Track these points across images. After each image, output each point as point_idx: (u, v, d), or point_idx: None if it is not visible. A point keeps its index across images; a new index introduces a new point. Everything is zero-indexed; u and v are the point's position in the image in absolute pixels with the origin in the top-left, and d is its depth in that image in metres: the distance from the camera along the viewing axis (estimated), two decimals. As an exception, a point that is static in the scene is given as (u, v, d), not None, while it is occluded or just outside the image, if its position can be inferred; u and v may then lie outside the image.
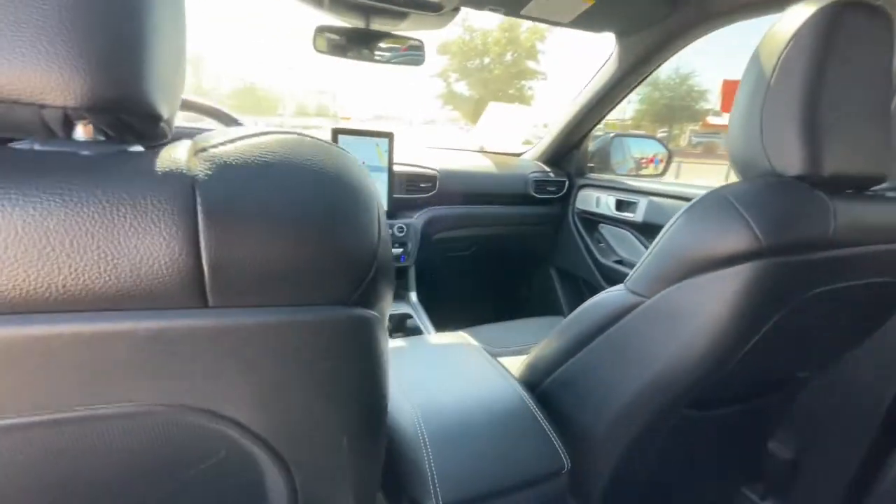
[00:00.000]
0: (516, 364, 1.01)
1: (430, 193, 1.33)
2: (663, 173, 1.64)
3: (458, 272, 1.60)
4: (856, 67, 0.49)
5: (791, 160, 0.50)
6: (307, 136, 0.26)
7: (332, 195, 0.24)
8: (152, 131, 0.23)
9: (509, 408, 0.64)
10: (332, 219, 0.23)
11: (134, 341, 0.21)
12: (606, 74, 1.25)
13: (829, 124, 0.49)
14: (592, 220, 1.54)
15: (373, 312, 0.27)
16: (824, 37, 0.47)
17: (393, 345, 0.78)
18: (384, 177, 1.22)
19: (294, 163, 0.23)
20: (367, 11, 0.95)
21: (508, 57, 19.80)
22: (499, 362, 0.76)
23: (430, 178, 1.33)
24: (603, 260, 1.46)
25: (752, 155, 0.54)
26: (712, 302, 0.49)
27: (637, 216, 1.34)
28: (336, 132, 1.16)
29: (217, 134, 0.23)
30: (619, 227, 1.43)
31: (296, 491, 0.29)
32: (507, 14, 0.97)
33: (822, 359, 0.79)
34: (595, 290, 1.54)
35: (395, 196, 1.25)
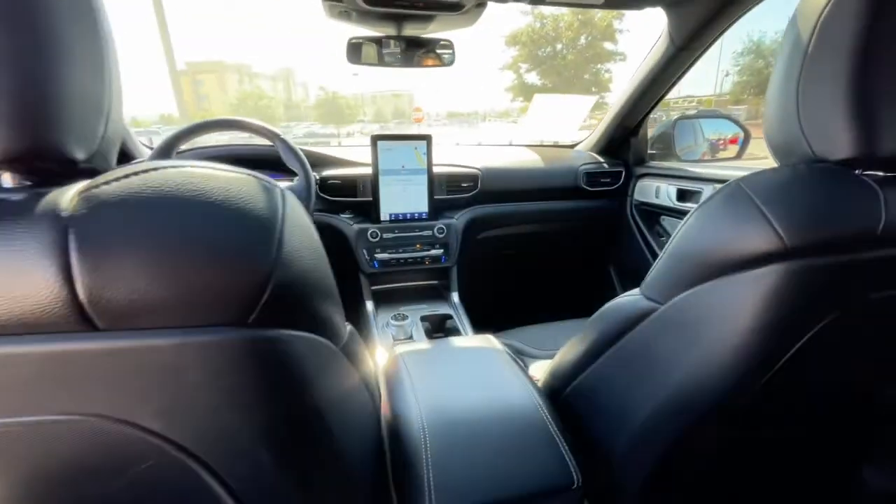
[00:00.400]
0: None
1: (471, 193, 1.32)
2: (740, 155, 1.46)
3: (505, 272, 1.57)
4: None
5: (836, 141, 0.42)
6: (212, 168, 0.27)
7: (212, 223, 0.25)
8: (71, 173, 0.26)
9: (521, 417, 0.61)
10: (210, 245, 0.24)
11: (31, 361, 0.24)
12: (658, 53, 1.14)
13: (883, 93, 0.40)
14: (653, 213, 1.42)
15: (288, 332, 0.28)
16: None
17: (415, 347, 0.79)
18: (424, 179, 1.24)
19: (176, 195, 0.25)
20: (393, 19, 0.97)
21: (582, 41, 18.85)
22: (521, 366, 0.73)
23: (471, 178, 1.32)
24: None
25: (788, 137, 0.46)
26: (732, 309, 0.43)
27: None
28: (375, 138, 1.19)
29: (112, 172, 0.26)
30: (682, 218, 1.30)
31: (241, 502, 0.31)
32: (531, 3, 0.93)
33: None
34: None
35: (435, 198, 1.26)
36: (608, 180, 1.47)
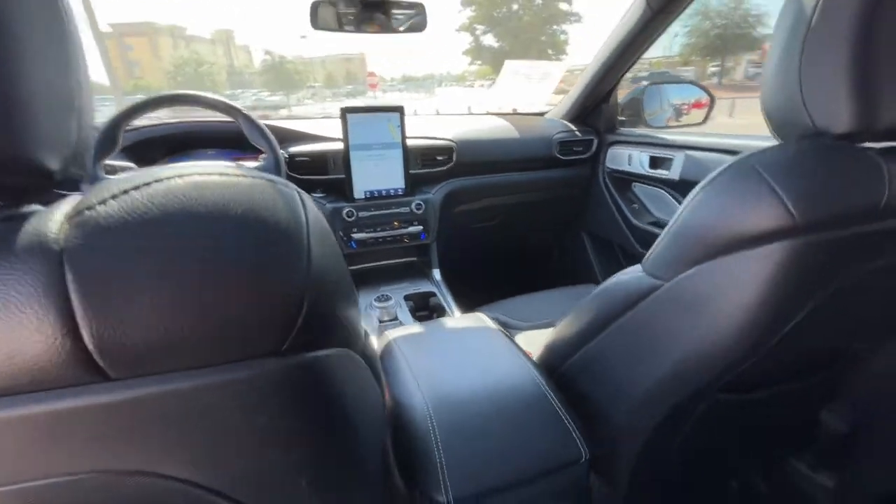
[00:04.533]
0: (540, 339, 0.98)
1: (447, 166, 1.28)
2: (705, 121, 1.49)
3: (485, 245, 1.56)
4: None
5: (838, 114, 0.42)
6: (220, 174, 0.23)
7: (235, 243, 0.21)
8: (47, 186, 0.21)
9: (524, 395, 0.62)
10: (237, 269, 0.21)
11: (35, 422, 0.20)
12: (634, 17, 1.12)
13: (885, 67, 0.40)
14: (625, 180, 1.44)
15: (322, 352, 0.25)
16: None
17: (407, 331, 0.77)
18: (398, 153, 1.18)
19: (189, 212, 0.21)
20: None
21: (539, 0, 18.49)
22: (516, 344, 0.73)
23: (446, 150, 1.28)
24: (637, 222, 1.37)
25: (789, 111, 0.46)
26: (740, 286, 0.44)
27: (673, 173, 1.23)
28: (345, 111, 1.12)
29: (104, 187, 0.21)
30: (654, 185, 1.33)
31: None
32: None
33: (885, 330, 0.71)
34: (630, 254, 1.46)
35: (411, 172, 1.21)
36: (580, 149, 1.47)
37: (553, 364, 0.69)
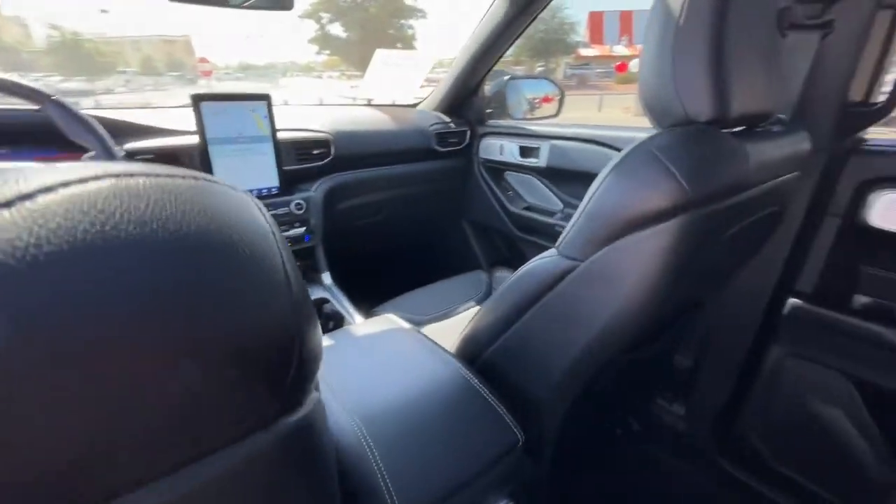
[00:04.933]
0: (446, 330, 0.98)
1: (326, 160, 1.19)
2: (558, 113, 1.66)
3: (372, 241, 1.51)
4: (743, 13, 0.49)
5: (703, 105, 0.50)
6: (147, 174, 0.15)
7: (198, 280, 0.14)
8: None
9: (454, 391, 0.60)
10: (210, 324, 0.14)
11: None
12: (498, 14, 1.18)
13: (733, 64, 0.49)
14: (498, 169, 1.52)
15: (310, 399, 0.19)
16: None
17: None
18: (268, 148, 1.05)
19: (138, 234, 0.13)
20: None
21: (383, -8, 18.49)
22: (431, 340, 0.72)
23: (323, 143, 1.18)
24: (512, 208, 1.46)
25: (665, 101, 0.52)
26: (646, 259, 0.49)
27: (541, 161, 1.34)
28: (197, 99, 0.95)
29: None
30: (525, 173, 1.44)
31: None
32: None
33: (721, 283, 0.88)
34: (508, 239, 1.56)
35: (285, 169, 1.09)
36: (455, 140, 1.51)
37: (474, 353, 0.69)
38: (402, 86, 1.51)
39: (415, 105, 1.61)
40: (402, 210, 1.48)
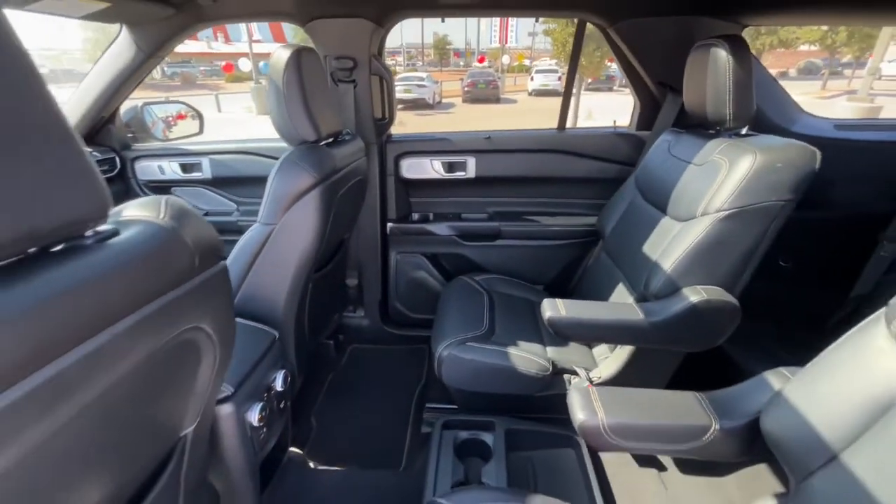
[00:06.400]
0: None
1: None
2: (201, 131, 1.91)
3: None
4: (312, 77, 1.04)
5: (307, 131, 1.03)
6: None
7: None
8: None
9: None
10: None
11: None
12: (126, 58, 1.36)
13: (314, 105, 1.03)
14: (164, 187, 1.68)
15: None
16: (296, 64, 0.97)
17: None
18: None
19: None
20: None
21: None
22: None
23: None
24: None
25: (289, 131, 1.02)
26: (307, 214, 0.99)
27: (205, 174, 1.64)
28: None
29: None
30: (194, 186, 1.69)
31: (215, 357, 0.56)
32: (16, 8, 0.92)
33: (352, 224, 1.52)
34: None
35: None
36: (106, 168, 1.56)
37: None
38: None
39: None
40: None
